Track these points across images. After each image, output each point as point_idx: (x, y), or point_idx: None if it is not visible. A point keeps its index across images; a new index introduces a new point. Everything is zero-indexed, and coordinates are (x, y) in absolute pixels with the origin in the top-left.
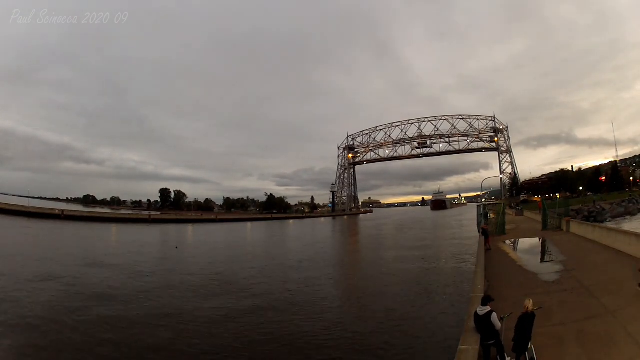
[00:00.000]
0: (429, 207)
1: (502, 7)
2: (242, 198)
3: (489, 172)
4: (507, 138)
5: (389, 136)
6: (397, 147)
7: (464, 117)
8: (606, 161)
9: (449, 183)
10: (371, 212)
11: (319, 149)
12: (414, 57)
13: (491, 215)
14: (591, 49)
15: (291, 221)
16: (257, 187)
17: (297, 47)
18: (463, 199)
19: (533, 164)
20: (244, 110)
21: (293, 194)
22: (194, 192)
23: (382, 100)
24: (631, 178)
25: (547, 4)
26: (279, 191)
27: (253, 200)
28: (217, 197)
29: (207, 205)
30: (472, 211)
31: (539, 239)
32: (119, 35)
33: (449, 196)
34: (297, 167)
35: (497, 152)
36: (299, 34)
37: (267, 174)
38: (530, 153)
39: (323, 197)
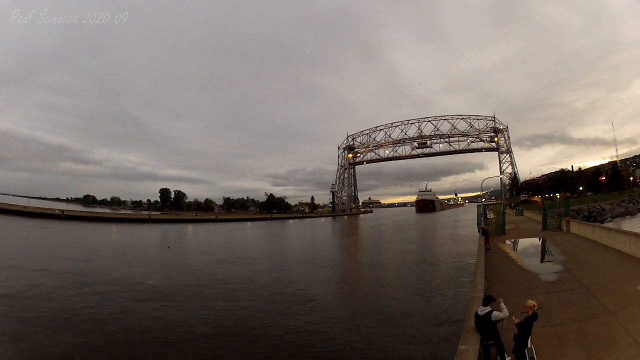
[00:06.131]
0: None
1: (489, 10)
2: (242, 198)
3: (484, 172)
4: (507, 138)
5: (389, 136)
6: (397, 147)
7: (463, 117)
8: (604, 161)
9: (445, 183)
10: (371, 212)
11: (311, 149)
12: (403, 60)
13: (491, 216)
14: (585, 49)
15: (291, 221)
16: (252, 187)
17: (288, 50)
18: (460, 198)
19: (529, 164)
20: (237, 112)
21: (289, 194)
22: (192, 192)
23: (373, 102)
24: (631, 178)
25: (536, 6)
26: (276, 191)
27: (253, 200)
28: (215, 196)
29: (207, 205)
30: (469, 212)
31: (539, 239)
32: (114, 38)
33: (444, 196)
34: (290, 167)
35: (497, 152)
36: (289, 37)
37: (260, 174)
38: (525, 153)
39: (322, 197)
